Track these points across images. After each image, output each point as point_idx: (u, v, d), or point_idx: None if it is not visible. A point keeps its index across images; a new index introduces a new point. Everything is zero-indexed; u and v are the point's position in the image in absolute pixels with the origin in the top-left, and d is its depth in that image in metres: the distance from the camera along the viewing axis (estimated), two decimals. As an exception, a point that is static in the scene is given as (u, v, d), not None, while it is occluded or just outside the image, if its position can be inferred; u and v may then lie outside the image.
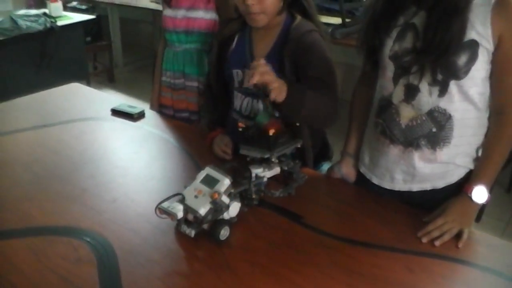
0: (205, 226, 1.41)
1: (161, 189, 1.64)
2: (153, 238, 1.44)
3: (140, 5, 5.29)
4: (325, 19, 4.04)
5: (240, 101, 1.84)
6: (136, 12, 5.96)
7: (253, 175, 1.54)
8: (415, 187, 1.58)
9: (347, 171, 1.74)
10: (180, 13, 2.22)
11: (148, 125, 2.18)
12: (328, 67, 1.69)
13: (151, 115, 2.22)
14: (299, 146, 1.65)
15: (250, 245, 1.41)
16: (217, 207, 1.40)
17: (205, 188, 1.42)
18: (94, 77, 5.61)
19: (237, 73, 1.82)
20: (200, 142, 1.91)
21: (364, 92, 1.71)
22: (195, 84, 2.28)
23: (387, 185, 1.62)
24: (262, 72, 1.46)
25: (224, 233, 1.40)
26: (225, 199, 1.41)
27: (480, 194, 1.46)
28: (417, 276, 1.30)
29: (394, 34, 1.50)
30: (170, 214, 1.39)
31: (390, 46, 1.51)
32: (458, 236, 1.43)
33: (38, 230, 1.48)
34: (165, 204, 1.41)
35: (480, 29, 1.38)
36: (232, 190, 1.44)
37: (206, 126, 2.04)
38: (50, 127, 2.17)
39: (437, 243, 1.41)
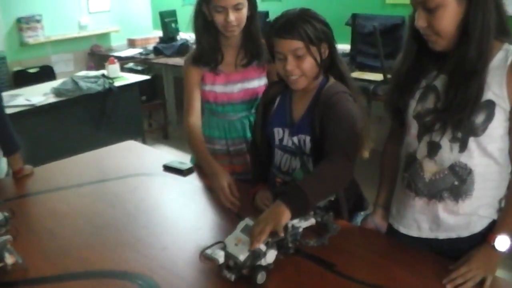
0: (244, 271, 1.52)
1: (206, 239, 1.76)
2: (197, 283, 1.59)
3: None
4: (368, 75, 4.19)
5: (279, 158, 1.98)
6: (189, 72, 6.20)
7: (289, 225, 1.65)
8: (441, 235, 1.66)
9: (379, 221, 1.84)
10: (237, 87, 2.27)
11: (196, 180, 2.33)
12: (348, 128, 1.76)
13: (200, 171, 2.37)
14: (332, 199, 1.78)
15: (286, 291, 1.54)
16: (255, 255, 1.52)
17: (244, 237, 1.55)
18: (149, 134, 5.84)
19: (278, 131, 1.96)
20: (244, 196, 2.05)
21: (393, 149, 1.83)
22: None
23: (414, 233, 1.70)
24: (259, 237, 1.54)
25: (261, 278, 1.52)
26: (262, 247, 1.53)
27: (502, 242, 1.54)
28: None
29: (417, 95, 1.64)
30: (212, 259, 1.52)
31: (413, 107, 1.64)
32: (482, 283, 1.50)
33: (96, 274, 1.65)
34: (208, 251, 1.55)
35: (496, 90, 1.49)
36: (270, 240, 1.55)
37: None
38: (107, 182, 2.36)
39: None
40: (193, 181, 2.32)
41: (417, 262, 1.64)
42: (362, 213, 2.02)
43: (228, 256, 1.53)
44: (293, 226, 1.66)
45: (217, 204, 2.06)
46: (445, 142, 1.57)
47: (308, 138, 1.86)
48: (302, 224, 1.69)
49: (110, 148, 2.80)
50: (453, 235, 1.65)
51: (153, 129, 6.19)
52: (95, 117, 4.63)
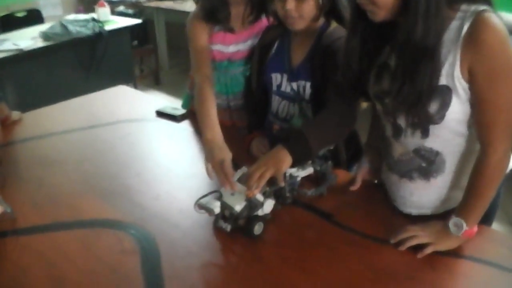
0: (241, 221, 1.49)
1: (201, 187, 1.71)
2: (192, 232, 1.54)
3: (185, 10, 5.37)
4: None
5: (277, 104, 1.92)
6: (181, 16, 6.02)
7: (287, 174, 1.60)
8: (414, 211, 1.57)
9: (370, 161, 1.76)
10: (247, 44, 2.13)
11: (191, 126, 2.28)
12: None
13: (194, 117, 2.26)
14: (331, 148, 1.72)
15: (282, 241, 1.50)
16: (252, 205, 1.48)
17: (241, 187, 1.50)
18: (140, 80, 5.75)
19: (275, 77, 1.89)
20: (239, 144, 1.99)
21: None
22: None
23: (394, 203, 1.63)
24: (258, 182, 1.48)
25: (258, 228, 1.48)
26: (259, 197, 1.48)
27: (456, 226, 1.39)
28: (440, 275, 1.35)
29: (372, 75, 1.49)
30: (207, 210, 1.47)
31: (371, 86, 1.51)
32: (422, 247, 1.41)
33: (88, 223, 1.60)
34: (203, 201, 1.50)
35: (449, 70, 1.29)
36: (267, 189, 1.51)
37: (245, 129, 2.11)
38: (98, 128, 2.29)
39: (401, 247, 1.42)
40: (187, 127, 2.27)
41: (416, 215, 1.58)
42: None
43: (224, 206, 1.48)
44: (291, 175, 1.61)
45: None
46: (406, 126, 1.43)
47: (308, 84, 1.79)
48: (300, 173, 1.64)
49: (100, 93, 2.72)
50: (428, 211, 1.55)
51: (144, 74, 6.09)
52: (85, 62, 4.52)
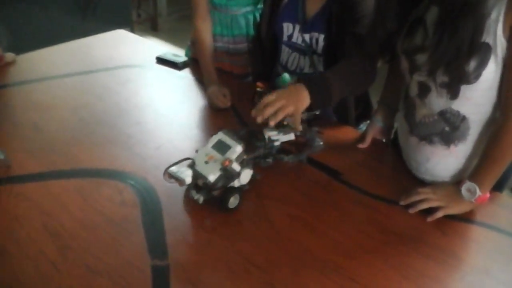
0: (215, 193, 1.36)
1: (204, 138, 1.65)
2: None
3: (185, -47, 5.21)
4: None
5: (286, 56, 1.84)
6: (181, -40, 5.91)
7: (266, 137, 1.51)
8: (428, 178, 1.50)
9: (381, 119, 1.69)
10: None
11: (192, 74, 2.19)
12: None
13: (196, 65, 2.20)
14: (317, 113, 1.61)
15: (290, 199, 1.43)
16: (228, 175, 1.35)
17: (216, 154, 1.37)
18: (137, 25, 5.60)
19: (287, 26, 1.80)
20: (244, 95, 1.91)
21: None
22: None
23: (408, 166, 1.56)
24: (280, 113, 1.40)
25: (234, 201, 1.36)
26: (236, 166, 1.35)
27: (469, 191, 1.35)
28: (450, 240, 1.31)
29: (405, 29, 1.40)
30: (178, 179, 1.34)
31: (401, 41, 1.42)
32: (433, 211, 1.36)
33: (85, 172, 1.53)
34: (174, 169, 1.37)
35: (491, 27, 1.22)
36: (245, 157, 1.39)
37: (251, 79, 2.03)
38: (96, 73, 2.20)
39: (411, 210, 1.37)
40: (189, 75, 2.18)
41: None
42: (369, 121, 1.91)
43: (196, 175, 1.35)
44: (269, 138, 1.51)
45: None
46: (434, 86, 1.35)
47: (321, 37, 1.70)
48: (281, 137, 1.54)
49: (97, 37, 2.62)
50: (442, 180, 1.48)
51: (141, 20, 5.95)
52: (81, 4, 4.37)
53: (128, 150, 1.64)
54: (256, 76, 1.98)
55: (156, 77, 2.18)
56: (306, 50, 1.76)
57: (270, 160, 1.53)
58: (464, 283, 1.19)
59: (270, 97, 1.42)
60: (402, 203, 1.40)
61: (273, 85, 1.89)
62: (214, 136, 1.41)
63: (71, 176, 1.51)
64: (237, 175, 1.37)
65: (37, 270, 1.17)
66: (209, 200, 1.36)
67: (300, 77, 1.59)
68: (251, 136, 1.53)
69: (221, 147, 1.37)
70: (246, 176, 1.40)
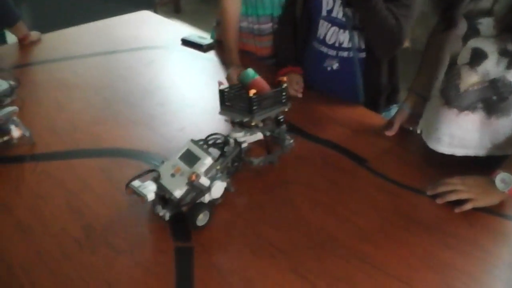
0: (184, 208, 1.23)
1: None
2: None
3: None
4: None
5: (325, 30, 1.80)
6: None
7: (231, 140, 1.38)
8: (459, 151, 1.46)
9: (411, 108, 1.65)
10: None
11: (217, 56, 2.17)
12: (409, 6, 1.64)
13: (221, 48, 2.18)
14: (286, 110, 1.47)
15: (314, 183, 1.42)
16: (196, 190, 1.22)
17: (184, 166, 1.22)
18: (159, 7, 5.59)
19: (327, 1, 1.76)
20: (269, 78, 1.89)
21: (436, 42, 1.59)
22: None
23: (431, 144, 1.51)
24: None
25: (203, 218, 1.22)
26: (204, 181, 1.20)
27: (504, 182, 1.29)
28: (477, 232, 1.27)
29: None
30: (139, 195, 1.19)
31: (466, 2, 1.37)
32: (461, 202, 1.32)
33: (109, 152, 1.53)
34: (136, 183, 1.21)
35: None
36: (218, 167, 1.26)
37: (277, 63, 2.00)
38: (120, 53, 2.20)
39: (438, 200, 1.33)
40: (214, 58, 2.17)
41: (456, 167, 1.47)
42: (395, 105, 1.88)
43: (161, 189, 1.21)
44: (236, 140, 1.39)
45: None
46: (492, 53, 1.30)
47: None
48: (248, 138, 1.43)
49: (122, 18, 2.62)
50: (471, 152, 1.44)
51: (164, 1, 5.92)
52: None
53: (151, 131, 1.63)
54: (285, 59, 1.94)
55: (181, 58, 2.17)
56: (346, 25, 1.74)
57: (238, 164, 1.39)
58: (491, 276, 1.16)
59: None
60: (429, 193, 1.36)
61: (303, 68, 1.87)
62: (183, 146, 1.28)
63: (95, 155, 1.51)
64: (207, 189, 1.23)
65: (60, 248, 1.17)
66: (176, 216, 1.24)
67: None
68: (225, 142, 1.39)
69: (190, 159, 1.24)
70: (218, 189, 1.25)
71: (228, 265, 1.14)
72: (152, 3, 5.04)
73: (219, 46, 2.20)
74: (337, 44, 1.79)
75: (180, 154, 1.25)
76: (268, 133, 1.46)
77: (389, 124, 1.65)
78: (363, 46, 1.76)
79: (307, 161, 1.49)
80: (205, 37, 2.29)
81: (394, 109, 1.85)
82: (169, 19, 2.74)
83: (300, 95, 1.81)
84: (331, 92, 1.84)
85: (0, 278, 1.10)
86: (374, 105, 1.83)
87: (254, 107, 1.36)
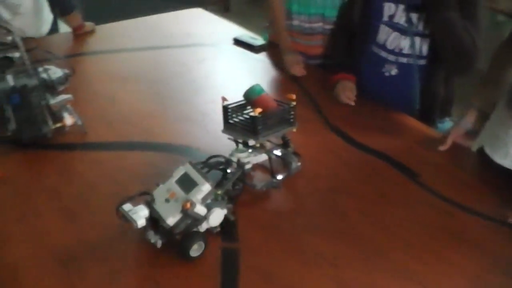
0: (178, 236, 1.13)
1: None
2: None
3: None
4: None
5: (386, 35, 1.77)
6: None
7: (235, 160, 1.32)
8: None
9: (471, 123, 1.60)
10: None
11: (269, 58, 2.16)
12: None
13: (273, 50, 2.18)
14: (294, 130, 1.41)
15: (363, 194, 1.39)
16: (191, 219, 1.12)
17: (179, 191, 1.12)
18: (208, 6, 5.60)
19: (389, 6, 1.73)
20: (321, 83, 1.87)
21: (507, 52, 1.55)
22: None
23: (497, 159, 1.46)
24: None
25: (198, 249, 1.12)
26: (200, 209, 1.10)
27: None
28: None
29: None
30: (130, 221, 1.09)
31: None
32: None
33: (159, 146, 1.53)
34: (126, 206, 1.11)
35: None
36: (219, 192, 1.18)
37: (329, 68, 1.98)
38: (173, 48, 2.21)
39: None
40: (265, 59, 2.16)
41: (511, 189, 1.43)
42: (447, 119, 1.84)
43: (154, 214, 1.12)
44: (239, 160, 1.32)
45: (291, 88, 1.89)
46: None
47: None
48: (252, 159, 1.36)
49: (176, 14, 2.64)
50: None
51: (213, 0, 5.93)
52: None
53: (202, 127, 1.63)
54: (339, 65, 1.91)
55: (232, 58, 2.17)
56: (408, 30, 1.71)
57: (239, 187, 1.31)
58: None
59: None
60: (510, 221, 1.30)
61: (359, 72, 1.84)
62: (180, 168, 1.16)
63: (145, 148, 1.52)
64: (203, 219, 1.13)
65: (104, 237, 1.18)
66: (169, 243, 1.14)
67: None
68: (227, 164, 1.32)
69: (186, 183, 1.13)
70: (216, 217, 1.15)
71: (274, 271, 1.13)
72: (203, 1, 5.06)
73: (271, 48, 2.19)
74: (397, 50, 1.75)
75: (176, 177, 1.15)
76: (273, 156, 1.40)
77: (444, 139, 1.61)
78: (423, 53, 1.73)
79: (356, 170, 1.46)
80: (258, 38, 2.28)
81: (447, 123, 1.82)
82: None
83: (352, 103, 1.78)
84: (387, 98, 1.80)
85: (43, 261, 1.11)
86: (428, 114, 1.80)
87: (259, 127, 1.31)
